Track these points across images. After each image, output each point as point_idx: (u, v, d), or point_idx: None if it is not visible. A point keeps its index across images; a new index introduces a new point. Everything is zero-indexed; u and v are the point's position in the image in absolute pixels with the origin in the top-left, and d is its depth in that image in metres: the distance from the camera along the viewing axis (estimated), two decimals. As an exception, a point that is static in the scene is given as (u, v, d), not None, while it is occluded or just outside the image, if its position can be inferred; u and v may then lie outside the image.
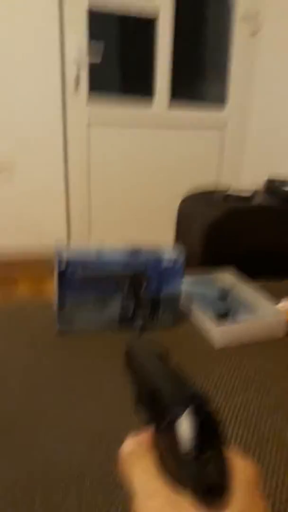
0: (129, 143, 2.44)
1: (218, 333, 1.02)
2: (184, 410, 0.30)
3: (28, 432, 0.77)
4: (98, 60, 2.22)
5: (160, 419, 0.31)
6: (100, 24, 2.25)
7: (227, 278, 1.33)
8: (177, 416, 0.30)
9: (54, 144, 2.29)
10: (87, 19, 2.18)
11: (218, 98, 2.59)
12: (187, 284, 1.26)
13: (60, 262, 1.02)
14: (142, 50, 2.43)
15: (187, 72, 2.56)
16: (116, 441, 0.69)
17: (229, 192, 1.62)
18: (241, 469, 0.31)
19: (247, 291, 1.24)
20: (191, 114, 2.51)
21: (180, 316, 1.14)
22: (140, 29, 2.37)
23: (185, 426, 0.29)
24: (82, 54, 2.21)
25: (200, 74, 2.65)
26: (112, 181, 2.48)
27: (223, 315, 1.12)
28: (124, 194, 2.52)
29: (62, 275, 1.03)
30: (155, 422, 0.32)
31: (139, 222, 2.50)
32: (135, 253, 1.08)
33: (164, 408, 0.31)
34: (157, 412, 0.32)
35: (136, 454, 0.33)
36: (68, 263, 1.02)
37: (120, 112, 2.38)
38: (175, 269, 1.08)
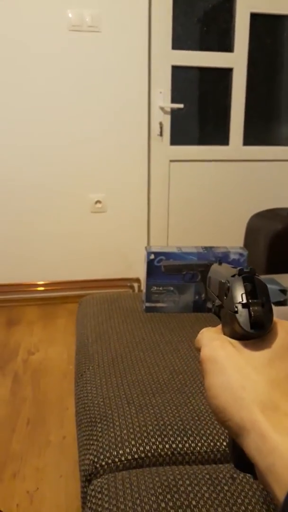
0: (205, 174, 2.76)
1: (275, 312, 1.24)
2: (236, 277, 0.38)
3: (127, 367, 1.06)
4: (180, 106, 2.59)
5: (223, 295, 0.40)
6: (181, 74, 2.64)
7: (288, 278, 1.55)
8: (232, 282, 0.38)
9: (140, 180, 2.66)
10: (171, 73, 2.58)
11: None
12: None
13: (149, 253, 1.33)
14: (219, 98, 2.77)
15: (261, 118, 2.85)
16: (186, 372, 0.99)
17: (292, 209, 1.85)
18: (285, 324, 0.38)
19: (305, 288, 1.45)
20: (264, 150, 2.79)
21: (244, 303, 1.38)
22: (217, 78, 2.73)
23: (237, 286, 0.37)
24: (166, 103, 2.60)
25: (275, 119, 2.92)
26: (189, 208, 2.79)
27: (282, 302, 1.34)
28: (199, 217, 2.81)
29: (150, 263, 1.33)
30: (221, 302, 0.40)
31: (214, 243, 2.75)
32: (208, 248, 1.35)
33: (224, 283, 0.40)
34: (222, 292, 0.40)
35: (206, 328, 0.42)
36: (155, 254, 1.32)
37: (198, 150, 2.72)
38: (240, 262, 1.33)
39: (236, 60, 2.65)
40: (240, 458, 0.36)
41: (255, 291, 0.37)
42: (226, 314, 0.38)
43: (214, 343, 0.37)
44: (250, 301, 0.36)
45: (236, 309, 0.36)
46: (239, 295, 0.37)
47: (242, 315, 0.36)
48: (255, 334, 0.36)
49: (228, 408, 0.33)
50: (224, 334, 0.39)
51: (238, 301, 0.36)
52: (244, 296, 0.36)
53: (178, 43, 2.57)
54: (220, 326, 0.41)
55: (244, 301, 0.36)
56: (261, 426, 0.31)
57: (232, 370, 0.35)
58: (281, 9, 2.64)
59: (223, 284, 0.40)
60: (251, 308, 0.36)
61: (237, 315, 0.36)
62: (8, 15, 2.30)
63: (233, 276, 0.38)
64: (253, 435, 0.31)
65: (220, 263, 0.48)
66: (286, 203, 2.66)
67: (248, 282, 0.37)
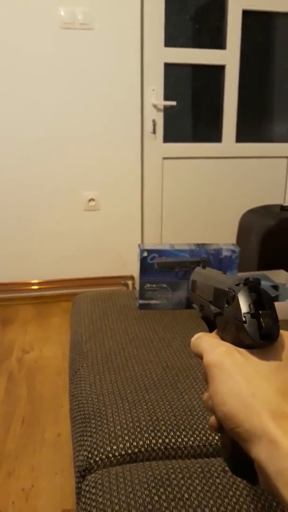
0: (198, 172, 2.77)
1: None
2: (241, 286, 0.38)
3: (121, 364, 1.06)
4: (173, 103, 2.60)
5: (223, 303, 0.40)
6: (174, 71, 2.64)
7: (280, 275, 1.56)
8: (238, 291, 0.38)
9: (133, 178, 2.67)
10: (163, 70, 2.58)
11: (285, 138, 2.84)
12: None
13: (142, 251, 1.33)
14: (211, 95, 2.78)
15: (254, 115, 2.87)
16: (179, 368, 1.00)
17: (285, 205, 1.86)
18: None
19: (297, 284, 1.46)
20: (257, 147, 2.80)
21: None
22: (210, 75, 2.74)
23: (244, 297, 0.37)
24: (158, 100, 2.60)
25: (268, 116, 2.93)
26: (182, 205, 2.80)
27: (274, 298, 1.35)
28: (193, 214, 2.82)
29: (143, 261, 1.33)
30: (219, 309, 0.41)
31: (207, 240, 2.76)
32: (200, 245, 1.36)
33: (226, 291, 0.40)
34: (220, 299, 0.41)
35: (203, 334, 0.42)
36: (148, 251, 1.33)
37: (191, 147, 2.73)
38: (232, 258, 1.34)
39: (228, 57, 2.65)
40: (238, 465, 0.37)
41: (261, 302, 0.37)
42: (229, 323, 0.39)
43: (219, 349, 0.38)
44: (260, 312, 0.37)
45: (244, 319, 0.36)
46: (247, 305, 0.37)
47: (251, 325, 0.36)
48: (264, 344, 0.36)
49: (238, 415, 0.34)
50: (223, 340, 0.39)
51: (247, 311, 0.37)
52: (252, 306, 0.37)
53: (171, 40, 2.57)
54: (215, 332, 0.41)
55: (253, 311, 0.37)
56: (272, 433, 0.31)
57: (240, 377, 0.35)
58: (273, 6, 2.65)
59: (225, 292, 0.40)
60: (261, 319, 0.36)
61: (246, 325, 0.36)
62: None
63: (237, 285, 0.39)
64: (264, 441, 0.32)
65: (203, 267, 0.49)
66: (278, 199, 2.68)
67: (253, 292, 0.38)
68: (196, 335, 0.41)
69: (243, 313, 0.37)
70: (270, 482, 0.31)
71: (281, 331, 0.38)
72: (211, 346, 0.38)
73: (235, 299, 0.38)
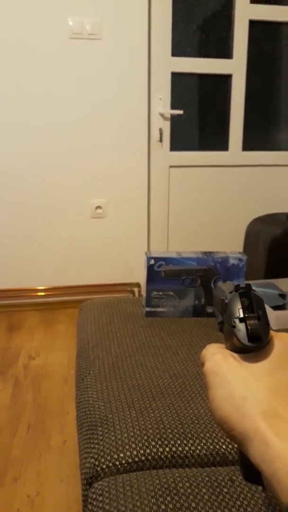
0: (204, 180, 2.78)
1: (274, 316, 1.26)
2: (233, 293, 0.40)
3: (128, 372, 1.07)
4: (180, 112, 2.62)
5: (223, 311, 0.42)
6: (181, 81, 2.67)
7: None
8: (229, 298, 0.40)
9: (140, 186, 2.68)
10: (170, 79, 2.60)
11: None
12: (252, 285, 1.50)
13: (149, 258, 1.34)
14: (218, 104, 2.80)
15: (260, 123, 2.88)
16: (185, 376, 1.00)
17: (291, 214, 1.87)
18: (284, 336, 0.39)
19: (304, 293, 1.46)
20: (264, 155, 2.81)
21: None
22: (216, 84, 2.76)
23: (234, 302, 0.39)
24: (165, 109, 2.63)
25: (274, 125, 2.94)
26: (188, 213, 2.80)
27: (281, 306, 1.35)
28: (199, 222, 2.83)
29: (150, 268, 1.34)
30: (223, 318, 0.42)
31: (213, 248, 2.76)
32: (207, 253, 1.37)
33: (222, 300, 0.42)
34: (222, 308, 0.42)
35: (211, 344, 0.43)
36: (155, 259, 1.33)
37: (198, 156, 2.74)
38: (239, 267, 1.34)
39: (235, 66, 2.67)
40: (248, 470, 0.37)
41: (252, 306, 0.39)
42: (226, 329, 0.40)
43: (216, 356, 0.39)
44: (246, 315, 0.38)
45: (234, 324, 0.38)
46: (237, 310, 0.39)
47: (240, 329, 0.38)
48: (253, 347, 0.37)
49: (231, 419, 0.34)
50: (226, 348, 0.40)
51: (236, 316, 0.38)
52: (241, 311, 0.38)
53: (178, 50, 2.59)
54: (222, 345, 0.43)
55: (241, 315, 0.38)
56: (264, 434, 0.32)
57: (234, 381, 0.36)
58: (279, 16, 2.67)
59: (222, 301, 0.42)
60: (247, 322, 0.38)
61: (235, 329, 0.38)
62: (9, 23, 2.33)
63: (231, 292, 0.40)
64: (257, 443, 0.32)
65: (224, 281, 0.50)
66: (285, 207, 2.68)
67: (245, 297, 0.39)
68: (206, 347, 0.43)
69: (233, 319, 0.38)
70: (269, 483, 0.31)
71: (273, 333, 0.39)
72: (210, 355, 0.40)
73: (227, 306, 0.40)
